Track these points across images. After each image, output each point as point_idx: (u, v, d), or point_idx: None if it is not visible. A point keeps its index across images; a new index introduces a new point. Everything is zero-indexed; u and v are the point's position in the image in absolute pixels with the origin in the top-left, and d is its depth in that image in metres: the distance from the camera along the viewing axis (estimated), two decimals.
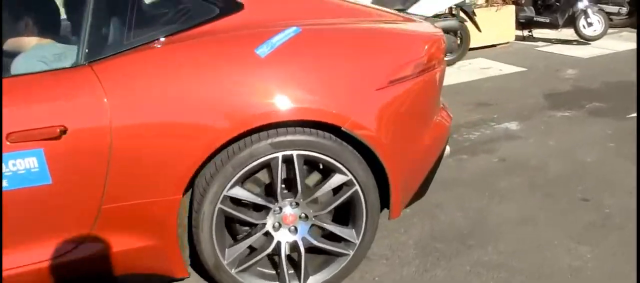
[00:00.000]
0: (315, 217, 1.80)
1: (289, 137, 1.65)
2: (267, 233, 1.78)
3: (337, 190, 1.79)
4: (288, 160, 1.68)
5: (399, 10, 5.18)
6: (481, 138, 3.32)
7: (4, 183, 1.46)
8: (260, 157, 1.64)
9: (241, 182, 1.68)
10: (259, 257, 1.77)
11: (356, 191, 1.77)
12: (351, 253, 1.85)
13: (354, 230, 1.83)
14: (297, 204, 1.77)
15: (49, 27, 1.92)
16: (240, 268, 1.76)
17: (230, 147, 1.63)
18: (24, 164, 1.47)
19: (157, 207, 1.61)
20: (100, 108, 1.50)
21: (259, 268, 1.83)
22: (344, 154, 1.71)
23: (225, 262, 1.73)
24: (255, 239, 1.76)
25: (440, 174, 2.73)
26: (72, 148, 1.50)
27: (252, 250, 1.81)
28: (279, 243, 1.79)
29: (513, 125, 3.51)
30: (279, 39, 1.67)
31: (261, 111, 1.60)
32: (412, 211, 2.41)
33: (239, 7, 1.76)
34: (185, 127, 1.57)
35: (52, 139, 1.47)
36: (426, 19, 5.09)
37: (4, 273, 1.54)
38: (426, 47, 1.94)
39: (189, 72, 1.59)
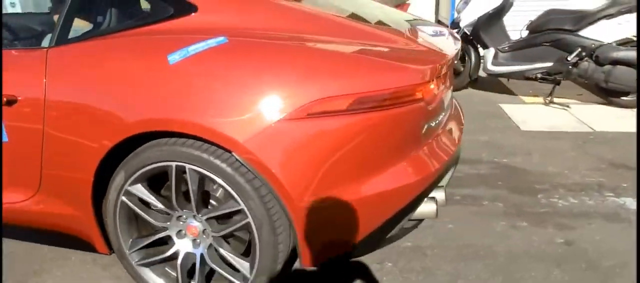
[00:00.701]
0: (213, 236, 1.72)
1: (182, 149, 1.61)
2: (169, 238, 1.78)
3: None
4: (178, 172, 1.64)
5: (567, 30, 4.29)
6: (573, 208, 2.54)
7: None
8: (155, 162, 1.64)
9: (146, 181, 1.71)
10: (157, 258, 1.79)
11: (249, 223, 1.62)
12: None
13: (249, 263, 1.68)
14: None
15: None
16: (142, 262, 1.81)
17: (139, 147, 1.68)
18: None
19: (75, 182, 1.77)
20: (39, 85, 1.73)
21: (166, 269, 1.85)
22: (236, 181, 1.58)
23: (128, 252, 1.81)
24: (154, 239, 1.78)
25: (470, 235, 2.27)
26: (20, 115, 1.78)
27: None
28: (178, 250, 1.77)
29: (634, 204, 2.58)
30: (196, 47, 1.62)
31: (150, 117, 1.59)
32: (395, 267, 2.05)
33: (193, 9, 1.76)
34: (94, 118, 1.67)
35: (5, 105, 1.77)
36: (602, 45, 4.09)
37: None
38: (387, 80, 1.59)
39: (106, 67, 1.68)
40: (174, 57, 1.61)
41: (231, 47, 1.63)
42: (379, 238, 1.76)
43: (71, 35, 1.81)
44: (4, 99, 1.75)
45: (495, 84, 5.25)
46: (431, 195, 1.86)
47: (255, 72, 1.58)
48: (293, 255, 1.73)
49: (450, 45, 1.98)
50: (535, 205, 2.58)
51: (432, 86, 1.71)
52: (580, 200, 2.62)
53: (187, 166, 1.61)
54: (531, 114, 4.22)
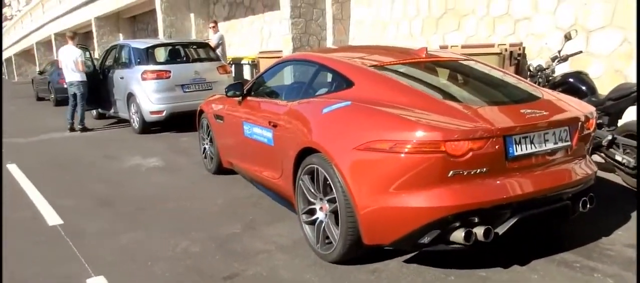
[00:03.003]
0: (329, 212, 2.96)
1: (318, 159, 2.96)
2: (315, 210, 3.13)
3: None
4: (318, 171, 2.98)
5: None
6: None
7: (263, 139, 3.74)
8: (310, 164, 3.06)
9: (309, 174, 3.12)
10: (310, 218, 3.15)
11: (337, 206, 2.80)
12: (334, 245, 2.87)
13: (338, 231, 2.84)
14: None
15: None
16: (305, 220, 3.22)
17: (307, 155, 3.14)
18: (267, 134, 3.68)
19: (289, 172, 3.38)
20: (285, 119, 3.46)
21: (312, 227, 3.18)
22: (334, 180, 2.80)
23: (300, 214, 3.26)
24: (312, 208, 3.15)
25: None
26: (278, 134, 3.55)
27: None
28: (317, 217, 3.10)
29: None
30: (336, 105, 2.98)
31: (310, 139, 3.04)
32: None
33: (351, 85, 3.13)
34: (295, 136, 3.25)
35: (273, 127, 3.59)
36: None
37: (261, 177, 3.87)
38: (416, 136, 2.48)
39: (303, 111, 3.24)
40: (325, 110, 3.02)
41: (350, 108, 2.90)
42: (411, 241, 2.59)
43: (299, 98, 3.49)
44: (272, 124, 3.58)
45: None
46: (473, 228, 2.52)
47: (350, 121, 2.82)
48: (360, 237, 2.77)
49: (510, 119, 2.57)
50: None
51: (462, 144, 2.44)
52: None
53: (319, 169, 2.96)
54: None
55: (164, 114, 8.16)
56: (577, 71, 4.72)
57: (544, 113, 2.74)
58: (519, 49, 6.42)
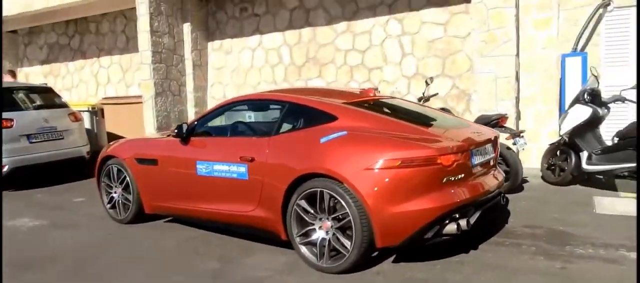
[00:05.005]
0: (334, 229, 3.41)
1: (322, 182, 3.41)
2: (314, 230, 3.53)
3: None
4: (321, 193, 3.42)
5: None
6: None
7: (232, 174, 3.92)
8: (310, 188, 3.47)
9: (306, 199, 3.52)
10: (307, 239, 3.53)
11: (350, 220, 3.29)
12: (347, 255, 3.33)
13: (350, 242, 3.32)
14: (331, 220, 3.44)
15: None
16: (301, 242, 3.57)
17: (304, 181, 3.53)
18: (239, 169, 3.89)
19: (274, 201, 3.68)
20: (264, 153, 3.76)
21: (310, 247, 3.56)
22: (345, 198, 3.29)
23: (295, 237, 3.60)
24: (310, 229, 3.53)
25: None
26: (254, 167, 3.81)
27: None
28: (318, 236, 3.50)
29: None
30: (334, 136, 3.49)
31: (309, 166, 3.46)
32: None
33: (335, 119, 3.66)
34: (285, 168, 3.60)
35: (249, 161, 3.84)
36: None
37: (222, 213, 4.01)
38: (417, 153, 3.20)
39: (292, 144, 3.64)
40: (323, 139, 3.49)
41: (348, 136, 3.45)
42: (419, 238, 3.26)
43: (280, 131, 3.86)
44: (250, 157, 3.82)
45: (604, 182, 5.98)
46: (458, 221, 3.31)
47: (355, 146, 3.37)
48: (372, 243, 3.31)
49: (469, 138, 3.51)
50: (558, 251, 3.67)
51: (451, 157, 3.25)
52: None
53: (324, 191, 3.40)
54: (616, 204, 5.02)
55: (5, 168, 7.00)
56: (443, 107, 6.15)
57: (482, 133, 3.78)
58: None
